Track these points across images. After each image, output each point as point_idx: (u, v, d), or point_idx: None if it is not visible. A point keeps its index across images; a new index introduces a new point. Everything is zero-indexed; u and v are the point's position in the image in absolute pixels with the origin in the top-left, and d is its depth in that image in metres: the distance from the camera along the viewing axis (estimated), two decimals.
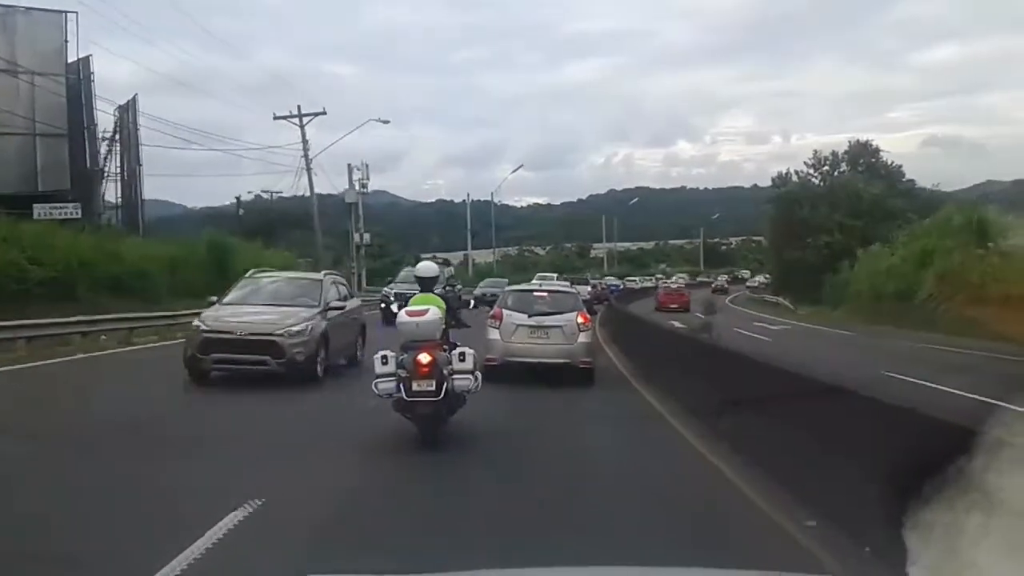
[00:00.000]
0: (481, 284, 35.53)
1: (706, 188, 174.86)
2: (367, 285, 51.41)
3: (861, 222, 49.33)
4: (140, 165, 33.92)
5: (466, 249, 62.37)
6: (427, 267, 8.47)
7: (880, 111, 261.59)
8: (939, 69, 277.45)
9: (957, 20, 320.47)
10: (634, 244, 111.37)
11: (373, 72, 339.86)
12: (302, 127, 38.04)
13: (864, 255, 41.06)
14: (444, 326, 7.67)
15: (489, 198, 64.70)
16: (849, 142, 56.92)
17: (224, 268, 25.13)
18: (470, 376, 7.40)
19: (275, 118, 38.31)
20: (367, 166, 51.61)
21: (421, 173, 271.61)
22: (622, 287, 53.71)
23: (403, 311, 7.57)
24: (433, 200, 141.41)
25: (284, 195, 50.73)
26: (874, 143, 56.32)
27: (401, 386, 7.07)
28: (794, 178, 57.24)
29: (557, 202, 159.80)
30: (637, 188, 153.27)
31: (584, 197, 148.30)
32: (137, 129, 33.75)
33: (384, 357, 7.24)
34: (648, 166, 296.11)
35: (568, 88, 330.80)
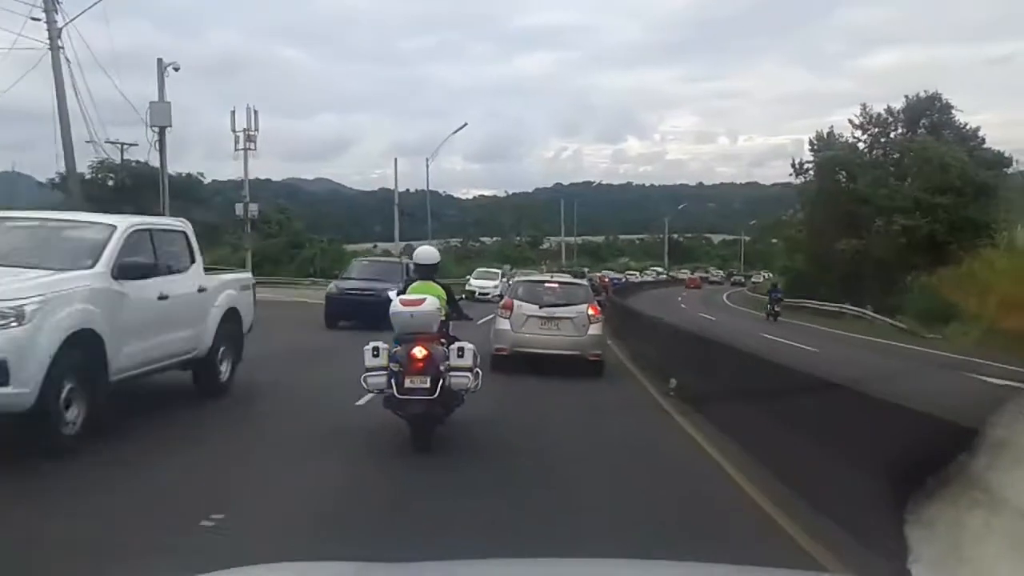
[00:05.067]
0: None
1: (652, 185, 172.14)
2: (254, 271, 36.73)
3: (946, 199, 36.19)
4: None
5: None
6: (427, 252, 7.75)
7: (822, 114, 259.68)
8: (881, 74, 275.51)
9: (899, 27, 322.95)
10: (581, 238, 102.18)
11: (321, 59, 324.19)
12: None
13: (1008, 242, 27.47)
14: (443, 318, 7.08)
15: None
16: (906, 97, 42.90)
17: None
18: (468, 374, 6.78)
19: None
20: (256, 112, 36.71)
21: (366, 162, 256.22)
22: (624, 280, 52.94)
23: (397, 299, 6.91)
24: (376, 189, 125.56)
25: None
26: (944, 97, 42.27)
27: (393, 381, 6.48)
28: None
29: (503, 195, 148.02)
30: (584, 183, 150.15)
31: (530, 190, 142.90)
32: None
33: (376, 349, 6.66)
34: (596, 162, 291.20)
35: (517, 81, 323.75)
